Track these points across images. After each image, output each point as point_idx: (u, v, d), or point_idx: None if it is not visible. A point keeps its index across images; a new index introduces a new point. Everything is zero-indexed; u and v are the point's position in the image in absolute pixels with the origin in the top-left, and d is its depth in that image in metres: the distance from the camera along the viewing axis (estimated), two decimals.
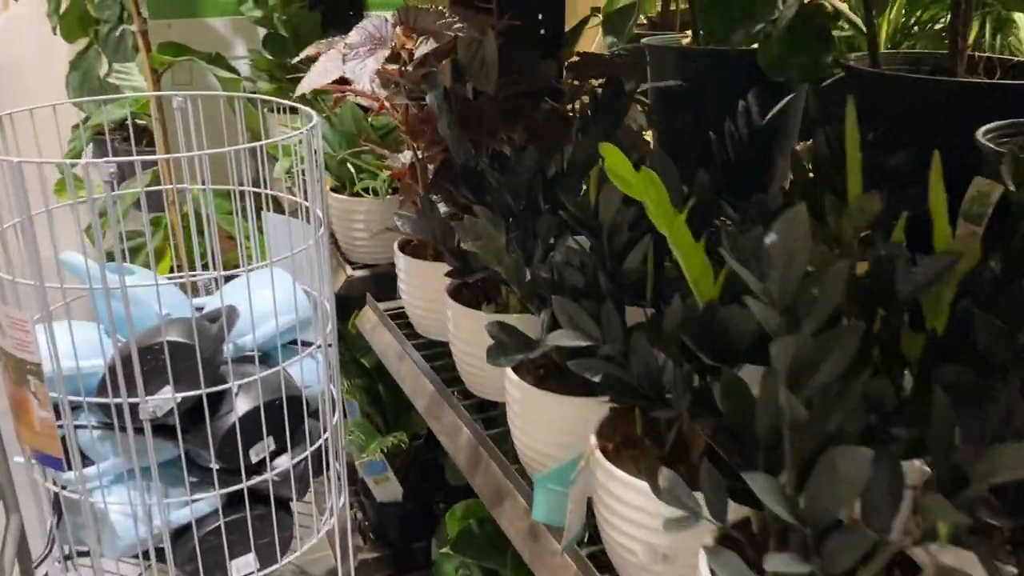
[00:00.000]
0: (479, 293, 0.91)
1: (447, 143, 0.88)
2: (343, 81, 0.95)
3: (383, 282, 1.30)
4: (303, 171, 1.27)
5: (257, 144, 0.92)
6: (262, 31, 1.83)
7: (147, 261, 1.99)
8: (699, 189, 0.80)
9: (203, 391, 0.97)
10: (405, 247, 1.07)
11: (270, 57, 1.74)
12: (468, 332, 0.89)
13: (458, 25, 0.83)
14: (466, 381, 0.93)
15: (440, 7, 1.02)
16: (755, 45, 1.37)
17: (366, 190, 1.23)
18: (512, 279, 0.73)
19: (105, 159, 0.87)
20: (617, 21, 1.51)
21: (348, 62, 0.81)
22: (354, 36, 0.84)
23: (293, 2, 1.73)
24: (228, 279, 1.34)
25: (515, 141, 0.98)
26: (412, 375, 0.99)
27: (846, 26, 1.58)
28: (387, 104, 0.87)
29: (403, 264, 1.05)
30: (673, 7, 1.92)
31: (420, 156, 0.97)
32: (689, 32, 1.65)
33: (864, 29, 1.50)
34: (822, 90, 1.58)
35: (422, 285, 1.03)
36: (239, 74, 1.81)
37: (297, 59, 0.96)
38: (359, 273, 1.30)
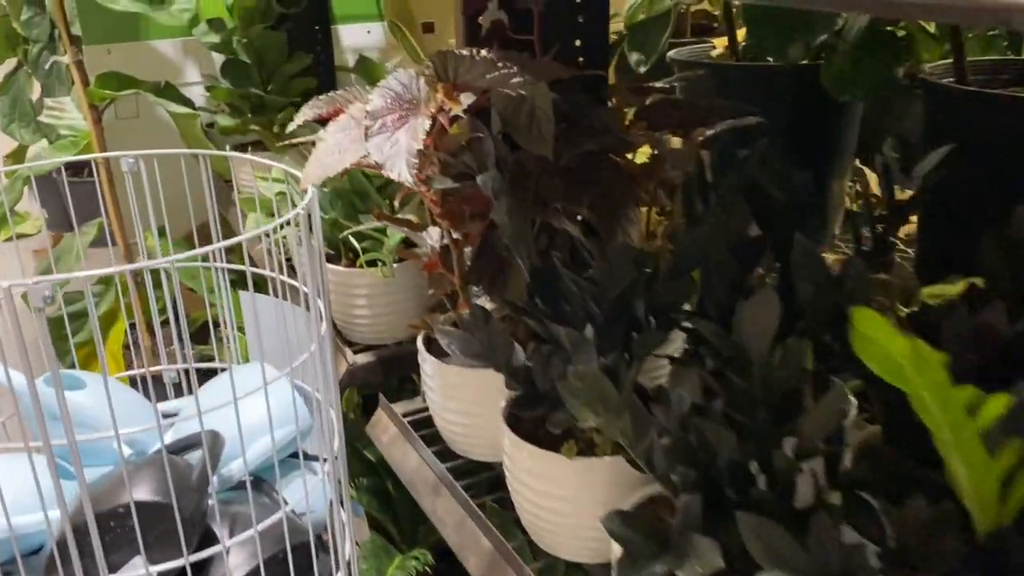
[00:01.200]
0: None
1: (500, 230, 0.66)
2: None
3: (392, 367, 1.08)
4: (283, 237, 1.04)
5: (238, 240, 0.69)
6: (218, 56, 1.59)
7: (98, 323, 1.73)
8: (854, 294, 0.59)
9: (186, 560, 0.75)
10: (431, 343, 0.84)
11: (230, 86, 1.50)
12: (538, 479, 0.67)
13: (517, 79, 0.61)
14: (535, 535, 0.71)
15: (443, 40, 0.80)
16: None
17: (371, 263, 1.01)
18: (641, 458, 0.51)
19: (37, 280, 0.63)
20: (646, 34, 1.30)
21: (372, 137, 0.59)
22: (376, 100, 0.61)
23: (255, 22, 1.48)
24: (203, 376, 1.11)
25: (571, 212, 0.76)
26: (456, 519, 0.77)
27: None
28: (417, 184, 0.65)
29: (433, 370, 0.82)
30: (683, 9, 1.72)
31: (455, 237, 0.75)
32: (716, 42, 1.44)
33: (930, 31, 1.29)
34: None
35: (461, 397, 0.81)
36: (194, 106, 1.56)
37: (293, 125, 0.73)
38: (362, 359, 1.07)
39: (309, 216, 0.76)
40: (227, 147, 1.63)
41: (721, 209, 0.62)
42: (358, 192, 1.04)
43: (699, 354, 0.67)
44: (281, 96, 1.55)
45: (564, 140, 0.73)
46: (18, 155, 2.52)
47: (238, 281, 1.76)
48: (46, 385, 0.71)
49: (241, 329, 1.18)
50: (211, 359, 1.73)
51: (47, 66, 1.78)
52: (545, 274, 0.63)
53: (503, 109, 0.73)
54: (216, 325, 1.65)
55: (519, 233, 0.64)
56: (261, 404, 0.78)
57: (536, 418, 0.68)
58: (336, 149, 0.62)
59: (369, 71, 1.79)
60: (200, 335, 1.85)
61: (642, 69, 1.27)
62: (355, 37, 1.97)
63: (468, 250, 0.77)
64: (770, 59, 1.27)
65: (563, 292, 0.64)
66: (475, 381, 0.80)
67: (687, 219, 0.64)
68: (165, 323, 1.92)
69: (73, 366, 1.57)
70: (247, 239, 0.71)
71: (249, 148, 1.59)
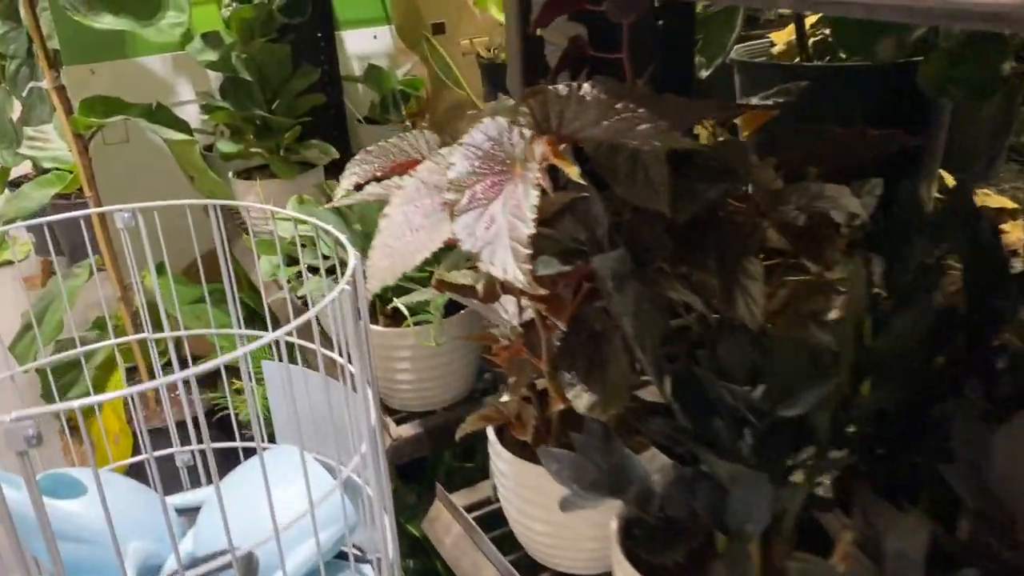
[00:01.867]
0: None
1: (617, 319, 0.51)
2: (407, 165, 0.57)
3: (441, 439, 0.93)
4: (314, 292, 0.91)
5: (290, 329, 0.54)
6: (214, 74, 1.43)
7: (95, 374, 1.57)
8: None
9: None
10: (504, 433, 0.69)
11: (230, 108, 1.33)
12: None
13: (645, 128, 0.45)
14: None
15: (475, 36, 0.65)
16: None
17: (419, 323, 0.85)
18: None
19: (17, 415, 0.49)
20: (708, 34, 1.14)
21: (460, 216, 0.43)
22: (459, 162, 0.45)
23: (255, 36, 1.32)
24: (221, 463, 0.95)
25: (681, 275, 0.61)
26: None
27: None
28: (532, 285, 0.49)
29: (510, 469, 0.67)
30: None
31: (545, 317, 0.60)
32: (774, 36, 1.29)
33: None
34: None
35: (548, 503, 0.66)
36: (190, 130, 1.40)
37: (340, 192, 0.57)
38: (407, 430, 0.91)
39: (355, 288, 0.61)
40: (230, 174, 1.47)
41: (918, 287, 0.47)
42: None
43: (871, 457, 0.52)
44: (287, 115, 1.39)
45: (675, 187, 0.58)
46: (0, 177, 2.36)
47: (250, 318, 1.59)
48: (43, 494, 0.55)
49: (260, 380, 1.02)
50: (223, 409, 1.56)
51: (26, 90, 1.62)
52: (686, 381, 0.48)
53: (594, 148, 0.57)
54: (230, 370, 1.47)
55: (648, 329, 0.49)
56: (301, 500, 0.63)
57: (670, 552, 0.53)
58: (406, 228, 0.46)
59: (379, 80, 1.63)
60: (209, 378, 1.69)
61: (704, 74, 1.12)
62: (361, 43, 1.81)
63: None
64: (843, 56, 1.12)
65: (707, 398, 0.48)
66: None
67: (870, 306, 0.49)
68: (167, 365, 1.74)
69: (63, 427, 1.41)
70: (291, 330, 0.55)
71: (256, 176, 1.43)
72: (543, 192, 0.48)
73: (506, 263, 0.41)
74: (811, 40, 1.16)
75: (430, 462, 1.16)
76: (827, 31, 1.18)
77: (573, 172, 0.44)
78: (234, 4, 1.33)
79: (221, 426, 1.52)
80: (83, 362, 1.54)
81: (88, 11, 1.23)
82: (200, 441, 0.97)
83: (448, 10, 1.89)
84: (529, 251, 0.41)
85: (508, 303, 0.64)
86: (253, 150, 1.42)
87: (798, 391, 0.45)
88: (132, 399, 1.02)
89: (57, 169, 1.44)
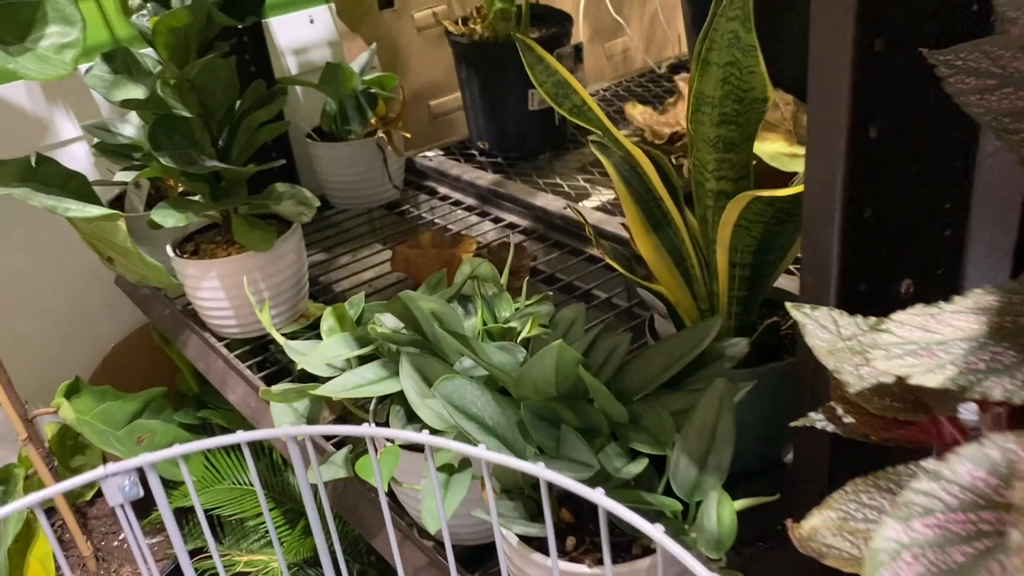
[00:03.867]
0: None
1: None
2: None
3: None
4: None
5: None
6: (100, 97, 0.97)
7: (17, 547, 1.14)
8: None
9: None
10: None
11: (170, 162, 0.89)
12: None
13: None
14: None
15: None
16: None
17: None
18: None
19: None
20: None
21: None
22: None
23: (192, 52, 0.88)
24: None
25: None
26: None
27: None
28: None
29: None
30: None
31: None
32: None
33: None
34: None
35: None
36: (90, 190, 0.95)
37: None
38: None
39: None
40: (167, 247, 1.04)
41: None
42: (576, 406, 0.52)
43: None
44: (242, 158, 0.97)
45: None
46: None
47: (201, 428, 1.17)
48: None
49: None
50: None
51: None
52: None
53: None
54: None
55: None
56: None
57: None
58: None
59: (337, 81, 1.20)
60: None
61: None
62: (293, 31, 1.37)
63: None
64: None
65: None
66: None
67: None
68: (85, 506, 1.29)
69: None
70: None
71: (203, 245, 1.01)
72: None
73: None
74: None
75: None
76: None
77: None
78: (149, 6, 0.88)
79: None
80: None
81: None
82: None
83: None
84: None
85: None
86: (206, 213, 0.99)
87: None
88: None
89: None
